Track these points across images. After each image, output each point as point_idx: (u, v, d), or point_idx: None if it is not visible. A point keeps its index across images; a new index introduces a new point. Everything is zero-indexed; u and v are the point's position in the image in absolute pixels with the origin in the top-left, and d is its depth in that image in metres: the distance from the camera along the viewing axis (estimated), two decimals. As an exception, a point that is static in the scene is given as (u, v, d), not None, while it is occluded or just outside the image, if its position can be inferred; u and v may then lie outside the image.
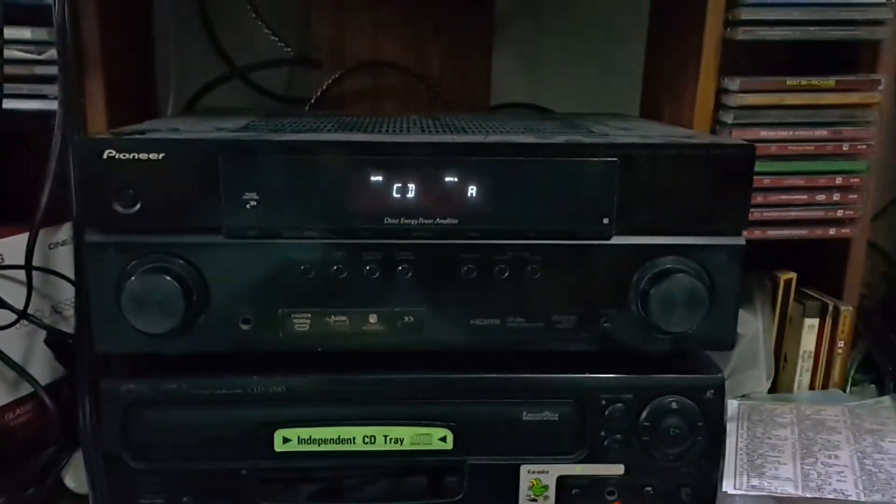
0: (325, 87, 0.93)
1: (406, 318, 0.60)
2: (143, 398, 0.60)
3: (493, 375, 0.62)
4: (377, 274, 0.58)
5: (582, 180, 0.58)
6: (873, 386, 0.84)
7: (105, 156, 0.56)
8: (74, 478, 0.68)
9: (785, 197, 0.77)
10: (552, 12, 1.01)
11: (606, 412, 0.62)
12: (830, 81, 0.76)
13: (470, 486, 0.63)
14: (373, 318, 0.60)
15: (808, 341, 0.81)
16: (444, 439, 0.62)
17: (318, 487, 0.63)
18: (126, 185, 0.56)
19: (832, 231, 0.79)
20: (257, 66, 0.97)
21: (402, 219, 0.58)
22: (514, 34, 1.00)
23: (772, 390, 0.82)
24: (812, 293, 0.82)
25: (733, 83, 0.75)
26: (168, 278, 0.56)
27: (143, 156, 0.56)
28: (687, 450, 0.62)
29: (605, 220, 0.59)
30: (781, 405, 0.76)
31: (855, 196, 0.78)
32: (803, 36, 0.74)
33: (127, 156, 0.56)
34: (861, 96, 0.76)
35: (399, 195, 0.58)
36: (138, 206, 0.57)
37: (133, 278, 0.56)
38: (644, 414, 0.62)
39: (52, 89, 0.70)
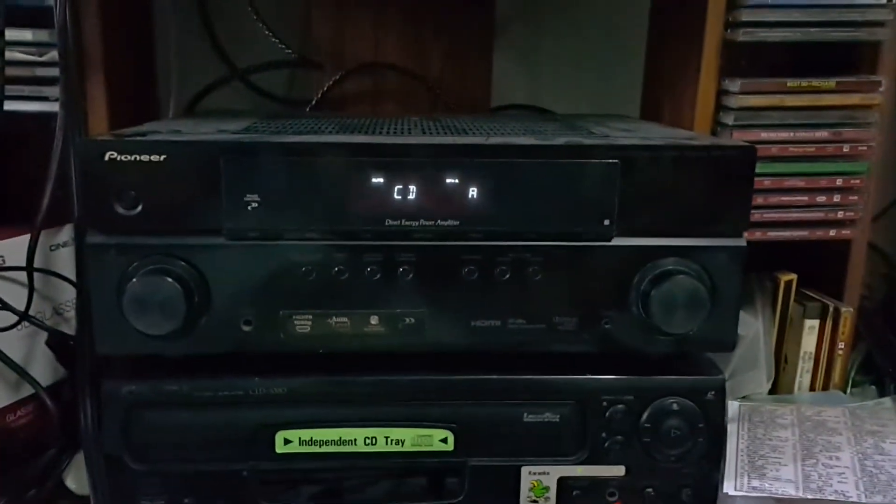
0: (325, 88, 0.93)
1: (407, 320, 0.60)
2: (145, 399, 0.60)
3: (494, 377, 0.62)
4: (378, 275, 0.59)
5: (583, 182, 0.58)
6: (874, 387, 0.84)
7: (106, 157, 0.56)
8: (75, 479, 0.68)
9: (785, 198, 0.77)
10: (552, 13, 1.01)
11: (607, 413, 0.62)
12: (831, 83, 0.76)
13: (471, 488, 0.63)
14: (374, 320, 0.60)
15: (809, 342, 0.81)
16: (445, 441, 0.62)
17: (320, 489, 0.63)
18: (127, 186, 0.56)
19: (833, 232, 0.79)
20: (258, 68, 0.97)
21: (403, 220, 0.58)
22: (515, 35, 1.01)
23: (772, 391, 0.82)
24: (812, 294, 0.82)
25: (734, 84, 0.75)
26: (169, 280, 0.56)
27: (145, 157, 0.56)
28: (688, 451, 0.62)
29: (606, 222, 0.59)
30: (782, 406, 0.76)
31: (855, 197, 0.78)
32: (804, 37, 0.74)
33: (128, 157, 0.56)
34: (861, 97, 0.76)
35: (400, 197, 0.58)
36: (140, 207, 0.57)
37: (134, 280, 0.56)
38: (645, 415, 0.62)
39: (54, 91, 0.70)
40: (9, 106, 0.70)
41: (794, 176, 0.77)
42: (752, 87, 0.75)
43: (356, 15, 0.92)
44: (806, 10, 0.74)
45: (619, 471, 0.63)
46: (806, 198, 0.77)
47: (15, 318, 0.68)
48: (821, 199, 0.78)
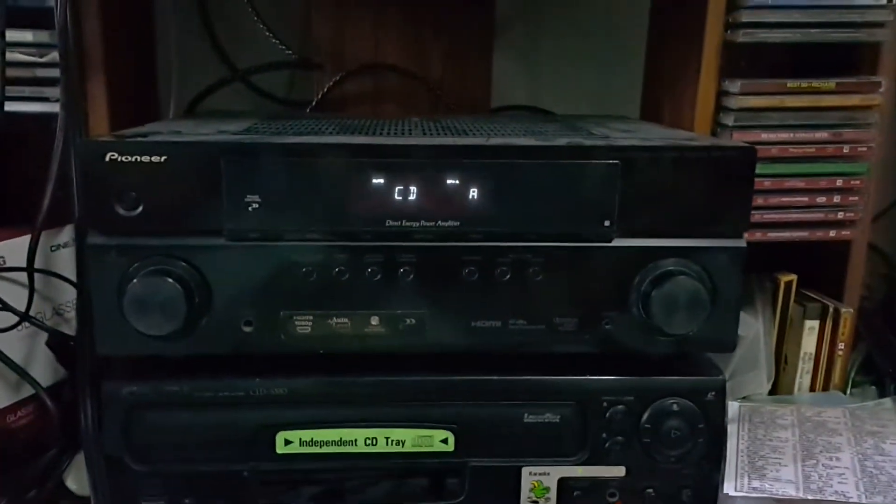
0: (325, 89, 0.93)
1: (408, 321, 0.60)
2: (145, 400, 0.60)
3: (495, 377, 0.62)
4: (379, 276, 0.59)
5: (583, 182, 0.58)
6: (874, 388, 0.84)
7: (107, 158, 0.56)
8: (76, 480, 0.68)
9: (785, 199, 0.77)
10: (552, 13, 1.01)
11: (608, 414, 0.62)
12: (831, 84, 0.76)
13: (471, 488, 0.63)
14: (374, 321, 0.60)
15: (809, 343, 0.81)
16: (445, 441, 0.62)
17: (320, 489, 0.63)
18: (128, 187, 0.56)
19: (833, 233, 0.79)
20: (258, 69, 0.97)
21: (403, 221, 0.58)
22: (515, 35, 1.01)
23: (772, 392, 0.82)
24: (812, 295, 0.83)
25: (734, 85, 0.75)
26: (170, 280, 0.56)
27: (146, 158, 0.56)
28: (688, 452, 0.62)
29: (607, 223, 0.59)
30: (782, 407, 0.76)
31: (855, 198, 0.78)
32: (804, 38, 0.75)
33: (129, 158, 0.56)
34: (861, 98, 0.76)
35: (400, 198, 0.58)
36: (140, 208, 0.57)
37: (135, 280, 0.56)
38: (645, 416, 0.62)
39: (54, 92, 0.70)
40: (9, 107, 0.70)
41: (794, 177, 0.77)
42: (752, 87, 0.75)
43: (356, 15, 0.92)
44: (806, 11, 0.74)
45: (619, 471, 0.63)
46: (806, 198, 0.77)
47: (15, 319, 0.68)
48: (821, 199, 0.78)
